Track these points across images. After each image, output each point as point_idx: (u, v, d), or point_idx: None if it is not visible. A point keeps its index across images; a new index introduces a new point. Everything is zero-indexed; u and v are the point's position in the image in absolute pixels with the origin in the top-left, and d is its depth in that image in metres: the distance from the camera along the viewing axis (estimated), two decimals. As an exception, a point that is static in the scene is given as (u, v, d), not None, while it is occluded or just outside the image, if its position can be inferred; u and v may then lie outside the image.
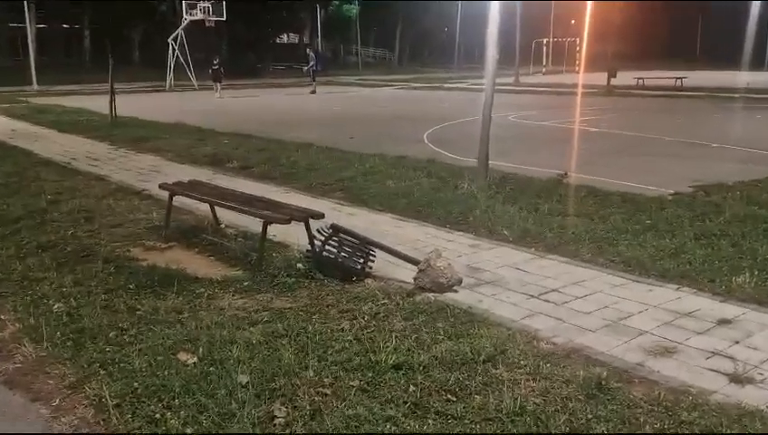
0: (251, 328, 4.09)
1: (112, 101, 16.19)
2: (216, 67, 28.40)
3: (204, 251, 5.93)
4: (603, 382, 3.36)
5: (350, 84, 38.70)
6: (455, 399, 3.25)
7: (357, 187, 8.45)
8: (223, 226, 6.64)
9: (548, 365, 3.61)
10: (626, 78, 31.22)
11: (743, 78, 31.33)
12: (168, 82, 32.93)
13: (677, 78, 29.57)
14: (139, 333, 4.05)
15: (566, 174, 8.21)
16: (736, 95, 23.67)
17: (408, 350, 3.75)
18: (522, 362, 3.64)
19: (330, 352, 3.73)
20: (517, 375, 3.49)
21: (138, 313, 4.37)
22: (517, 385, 3.38)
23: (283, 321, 4.19)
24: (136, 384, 3.37)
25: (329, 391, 3.31)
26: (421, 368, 3.54)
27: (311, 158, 10.70)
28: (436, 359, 3.64)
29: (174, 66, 33.01)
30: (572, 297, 4.73)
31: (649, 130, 14.74)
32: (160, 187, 6.63)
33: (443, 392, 3.30)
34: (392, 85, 37.11)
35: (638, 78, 30.79)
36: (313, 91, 29.69)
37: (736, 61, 40.02)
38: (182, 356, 3.69)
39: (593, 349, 3.86)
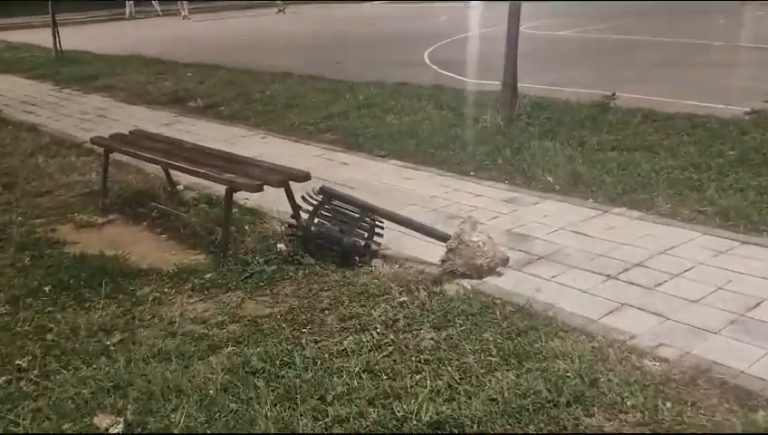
0: (211, 358, 2.93)
1: (56, 32, 14.63)
2: None
3: (154, 226, 4.78)
4: (770, 439, 2.24)
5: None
6: (538, 486, 2.12)
7: (350, 126, 7.18)
8: (181, 187, 5.44)
9: (668, 405, 2.47)
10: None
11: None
12: (128, 8, 30.84)
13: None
14: (44, 374, 2.88)
15: (614, 95, 6.93)
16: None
17: (449, 389, 2.61)
18: (626, 398, 2.51)
19: (329, 400, 2.58)
20: (628, 427, 2.36)
21: (48, 337, 3.20)
22: (633, 450, 2.25)
23: (260, 341, 3.04)
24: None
25: (333, 485, 2.17)
26: (475, 424, 2.40)
27: (290, 90, 9.34)
28: (494, 403, 2.50)
29: (133, -10, 30.84)
30: (666, 275, 3.56)
31: (692, 35, 13.25)
32: (92, 141, 5.38)
33: (517, 473, 2.17)
34: (377, -1, 35.00)
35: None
36: (281, 11, 27.67)
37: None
38: (100, 421, 2.53)
39: (728, 367, 2.71)
